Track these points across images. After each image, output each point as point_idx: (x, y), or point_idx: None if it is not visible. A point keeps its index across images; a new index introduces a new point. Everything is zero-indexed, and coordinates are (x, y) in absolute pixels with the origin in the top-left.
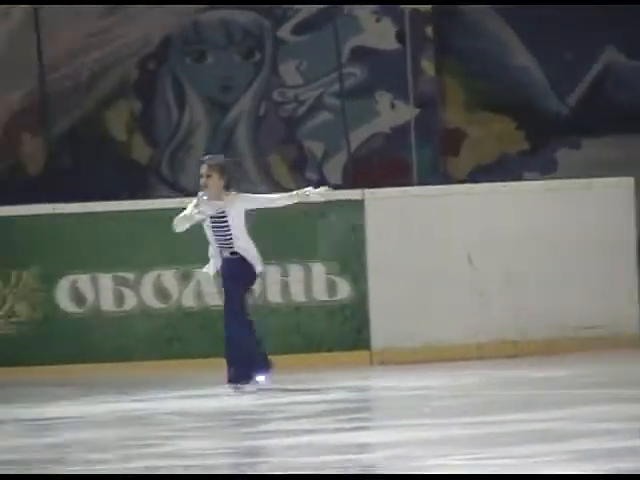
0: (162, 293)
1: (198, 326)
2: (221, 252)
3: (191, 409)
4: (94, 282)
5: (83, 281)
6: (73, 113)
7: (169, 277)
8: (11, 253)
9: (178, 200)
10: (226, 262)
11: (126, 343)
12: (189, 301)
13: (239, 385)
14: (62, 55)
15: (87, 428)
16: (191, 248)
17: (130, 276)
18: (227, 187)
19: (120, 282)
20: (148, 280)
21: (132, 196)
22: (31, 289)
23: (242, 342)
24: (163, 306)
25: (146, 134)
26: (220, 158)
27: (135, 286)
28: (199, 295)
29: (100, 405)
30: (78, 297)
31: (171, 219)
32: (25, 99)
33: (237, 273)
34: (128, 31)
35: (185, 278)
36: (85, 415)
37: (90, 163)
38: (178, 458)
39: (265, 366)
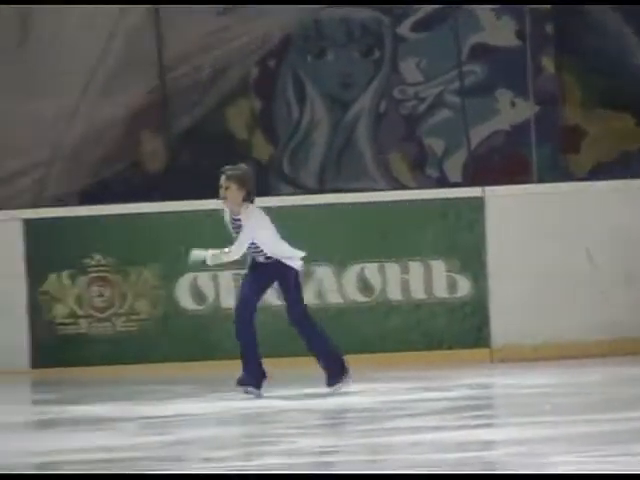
0: None
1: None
2: (255, 258)
3: (313, 406)
4: (214, 279)
5: (203, 278)
6: (193, 112)
7: None
8: (131, 251)
9: (299, 197)
10: (263, 267)
11: None
12: (310, 298)
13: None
14: (182, 54)
15: (207, 425)
16: (311, 245)
17: None
18: (248, 199)
19: (239, 279)
20: None
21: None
22: (151, 286)
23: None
24: (283, 303)
25: (266, 132)
26: (240, 169)
27: None
28: (319, 292)
29: (220, 402)
30: (198, 294)
31: (292, 216)
32: (145, 98)
33: (280, 277)
34: (248, 29)
35: (306, 275)
36: (205, 412)
37: (210, 161)
38: (299, 456)
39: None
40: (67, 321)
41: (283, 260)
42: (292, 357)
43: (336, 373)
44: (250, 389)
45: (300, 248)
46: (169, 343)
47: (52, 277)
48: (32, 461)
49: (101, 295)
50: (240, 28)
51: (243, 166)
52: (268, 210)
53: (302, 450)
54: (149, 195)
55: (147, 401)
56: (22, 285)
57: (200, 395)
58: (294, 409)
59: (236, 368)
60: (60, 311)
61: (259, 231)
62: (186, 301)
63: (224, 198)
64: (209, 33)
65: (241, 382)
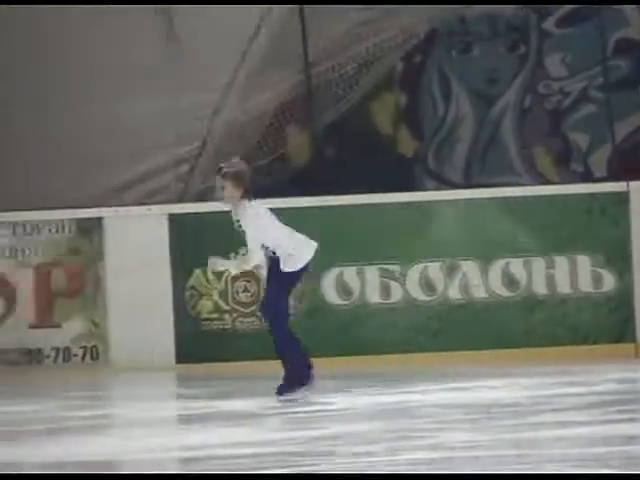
0: (428, 285)
1: (464, 319)
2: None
3: (458, 401)
4: (360, 274)
5: (349, 273)
6: (338, 106)
7: (435, 269)
8: None
9: (444, 192)
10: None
11: (392, 336)
12: (455, 293)
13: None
14: (327, 48)
15: (353, 421)
16: (457, 240)
17: (396, 268)
18: (247, 196)
19: (386, 274)
20: (414, 272)
21: (398, 189)
22: None
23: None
24: (428, 298)
25: (411, 127)
26: (234, 165)
27: (401, 278)
28: (465, 287)
29: (366, 397)
30: (344, 289)
31: (437, 212)
32: (290, 92)
33: (275, 273)
34: (393, 24)
35: (451, 270)
36: (351, 407)
37: (355, 156)
38: (444, 450)
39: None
40: (212, 316)
41: (288, 259)
42: (432, 352)
43: (293, 383)
44: (292, 396)
45: (445, 243)
46: (314, 338)
47: (197, 272)
48: (177, 456)
49: (246, 290)
50: (385, 22)
51: (237, 162)
52: (411, 205)
53: (446, 445)
54: (294, 189)
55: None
56: (167, 281)
57: (346, 390)
58: (439, 404)
59: (382, 363)
60: (205, 306)
61: (265, 230)
62: (331, 296)
63: (222, 198)
64: (353, 27)
65: (280, 391)
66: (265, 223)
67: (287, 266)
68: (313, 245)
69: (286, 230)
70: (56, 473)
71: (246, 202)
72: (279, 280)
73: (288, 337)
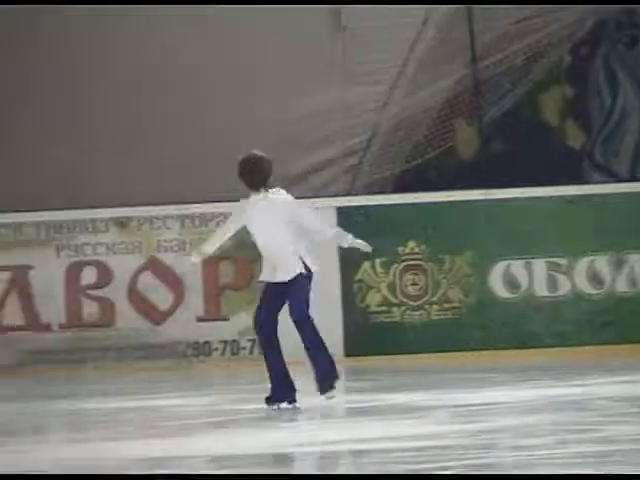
0: (596, 278)
1: (632, 311)
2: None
3: (627, 394)
4: (528, 267)
5: (517, 266)
6: (505, 99)
7: (603, 262)
8: (446, 239)
9: (612, 185)
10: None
11: (560, 328)
12: (623, 286)
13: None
14: (494, 42)
15: (519, 413)
16: (625, 233)
17: (563, 262)
18: (253, 188)
19: (554, 267)
20: (582, 265)
21: (565, 181)
22: (464, 274)
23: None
24: (596, 291)
25: (578, 119)
26: (245, 157)
27: (568, 271)
28: (633, 281)
29: (534, 390)
30: (512, 282)
31: (605, 205)
32: (458, 86)
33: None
34: (560, 17)
35: (619, 263)
36: (518, 400)
37: (523, 148)
38: (610, 443)
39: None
40: (380, 309)
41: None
42: (600, 345)
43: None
44: (282, 405)
45: (612, 236)
46: (482, 331)
47: (366, 265)
48: (345, 449)
49: (415, 283)
50: (552, 15)
51: (244, 156)
52: (579, 198)
53: (615, 438)
54: (461, 182)
55: (459, 389)
56: (336, 274)
57: (513, 383)
58: (608, 397)
59: (549, 356)
60: (374, 299)
61: (269, 228)
62: (499, 289)
63: None
64: (520, 21)
65: (269, 401)
66: (272, 222)
67: (279, 275)
68: (313, 268)
69: (290, 237)
70: (226, 474)
71: (253, 194)
72: (265, 295)
73: (271, 347)
